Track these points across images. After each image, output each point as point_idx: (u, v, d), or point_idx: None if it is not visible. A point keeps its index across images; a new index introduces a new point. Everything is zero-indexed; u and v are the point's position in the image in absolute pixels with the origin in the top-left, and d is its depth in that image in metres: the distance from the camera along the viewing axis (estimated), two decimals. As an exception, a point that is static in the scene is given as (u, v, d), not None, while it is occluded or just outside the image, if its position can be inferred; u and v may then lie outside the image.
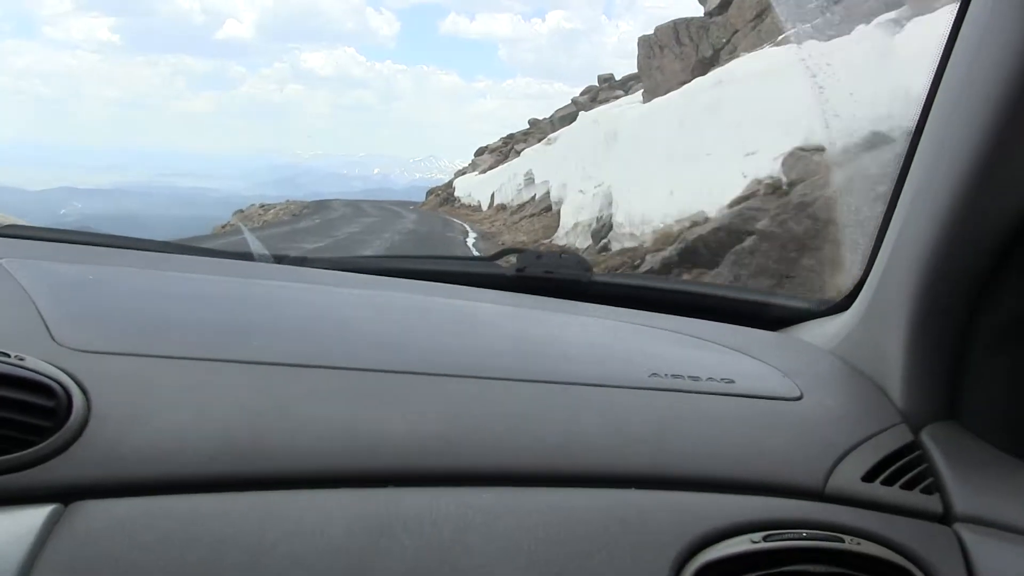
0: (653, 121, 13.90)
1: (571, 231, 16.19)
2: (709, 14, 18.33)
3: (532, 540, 0.70)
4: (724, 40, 17.39)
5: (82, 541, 0.62)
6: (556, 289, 1.28)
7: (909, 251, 0.89)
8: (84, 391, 0.71)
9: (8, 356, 0.70)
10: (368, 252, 12.49)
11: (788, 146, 8.06)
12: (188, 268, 1.18)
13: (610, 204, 13.94)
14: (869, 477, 0.83)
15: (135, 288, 1.04)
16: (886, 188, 0.96)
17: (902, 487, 0.83)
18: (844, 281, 1.20)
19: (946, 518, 0.82)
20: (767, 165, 8.43)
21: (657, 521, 0.75)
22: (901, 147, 0.91)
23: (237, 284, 1.13)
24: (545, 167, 23.54)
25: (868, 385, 0.99)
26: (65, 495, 0.64)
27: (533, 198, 24.10)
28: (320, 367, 0.83)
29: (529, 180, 25.25)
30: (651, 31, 19.80)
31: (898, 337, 0.92)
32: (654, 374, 0.94)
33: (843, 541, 0.76)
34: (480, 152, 45.03)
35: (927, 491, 0.84)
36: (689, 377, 0.95)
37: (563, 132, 25.76)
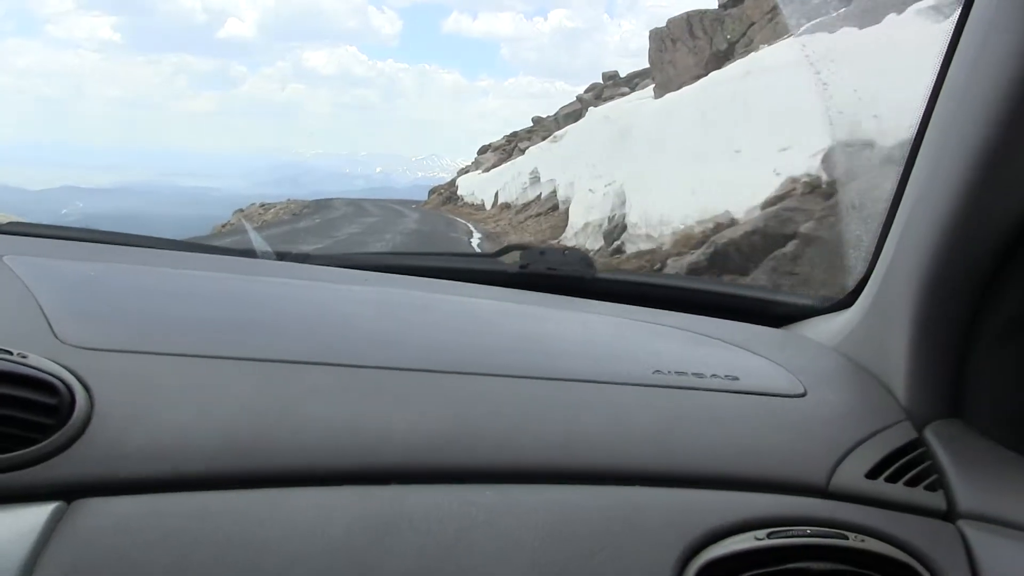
0: (670, 116, 13.21)
1: (580, 231, 15.55)
2: (724, 6, 17.71)
3: (535, 537, 0.70)
4: (740, 33, 16.75)
5: (85, 539, 0.62)
6: (559, 286, 1.27)
7: (913, 248, 0.89)
8: (87, 388, 0.71)
9: (11, 353, 0.70)
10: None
11: (829, 141, 7.39)
12: (191, 265, 1.17)
13: (623, 203, 13.28)
14: (873, 474, 0.83)
15: (137, 285, 1.04)
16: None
17: (906, 484, 0.83)
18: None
19: (950, 515, 0.82)
20: (804, 162, 7.77)
21: (661, 518, 0.75)
22: (906, 145, 0.91)
23: (240, 281, 1.12)
24: (551, 165, 23.10)
25: (872, 382, 0.99)
26: (68, 493, 0.64)
27: (539, 197, 23.65)
28: (323, 364, 0.83)
29: (534, 179, 24.83)
30: (654, 30, 19.17)
31: (902, 334, 0.92)
32: (658, 371, 0.94)
33: (847, 538, 0.76)
34: (483, 150, 44.61)
35: (931, 488, 0.84)
36: (693, 374, 0.94)
37: (570, 129, 25.15)
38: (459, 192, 37.71)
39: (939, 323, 0.89)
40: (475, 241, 19.92)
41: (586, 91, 35.67)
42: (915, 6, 8.42)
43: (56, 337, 0.78)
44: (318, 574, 0.64)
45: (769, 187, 8.07)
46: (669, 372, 0.94)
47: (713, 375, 0.95)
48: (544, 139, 30.29)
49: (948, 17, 0.87)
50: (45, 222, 1.57)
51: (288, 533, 0.66)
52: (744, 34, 16.70)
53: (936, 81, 0.85)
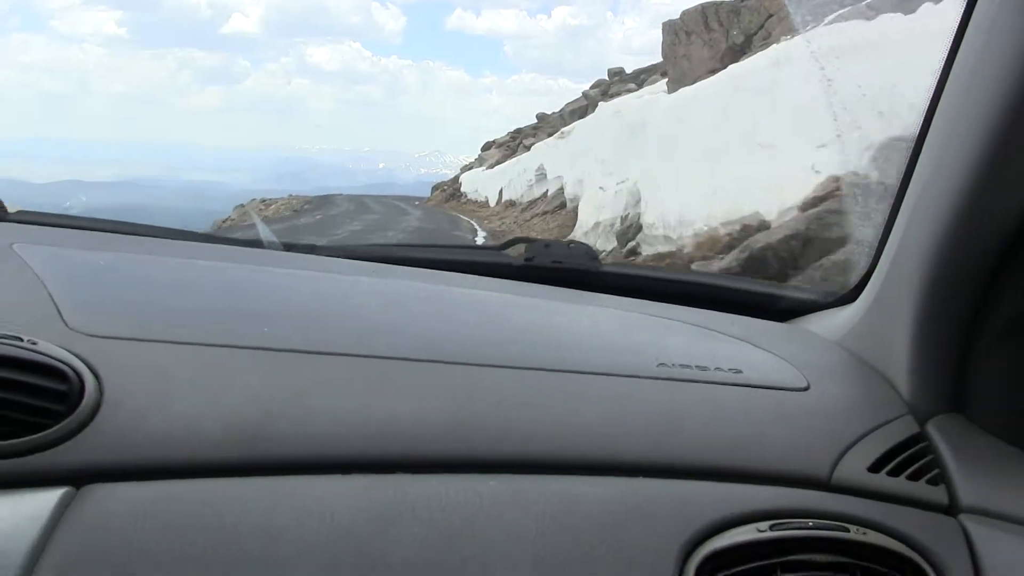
0: (689, 110, 12.47)
1: (591, 231, 14.87)
2: (741, -3, 16.97)
3: (539, 527, 0.70)
4: (757, 25, 16.06)
5: (93, 524, 0.63)
6: (564, 279, 1.27)
7: (916, 244, 0.89)
8: (96, 376, 0.72)
9: (21, 340, 0.71)
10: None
11: (880, 136, 6.69)
12: (199, 255, 1.16)
13: (637, 202, 12.59)
14: (875, 468, 0.84)
15: (146, 274, 1.04)
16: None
17: (908, 478, 0.84)
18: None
19: (951, 509, 0.83)
20: (849, 159, 7.05)
21: (664, 509, 0.75)
22: (909, 142, 0.91)
23: (247, 271, 1.13)
24: (558, 162, 22.57)
25: (875, 376, 0.99)
26: (77, 479, 0.65)
27: (545, 194, 23.12)
28: (329, 354, 0.84)
29: (540, 176, 24.32)
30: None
31: (905, 329, 0.92)
32: (662, 364, 0.94)
33: (849, 531, 0.77)
34: (487, 147, 44.14)
35: (933, 482, 0.84)
36: (697, 367, 0.95)
37: (578, 125, 24.48)
38: (463, 189, 37.31)
39: (941, 319, 0.89)
40: (479, 240, 19.29)
41: (592, 87, 35.14)
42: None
43: (66, 324, 0.78)
44: (324, 561, 0.65)
45: (806, 186, 7.36)
46: (673, 365, 0.94)
47: (717, 368, 0.95)
48: (550, 135, 29.82)
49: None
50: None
51: (294, 520, 0.66)
52: (762, 26, 16.01)
53: (939, 80, 0.85)
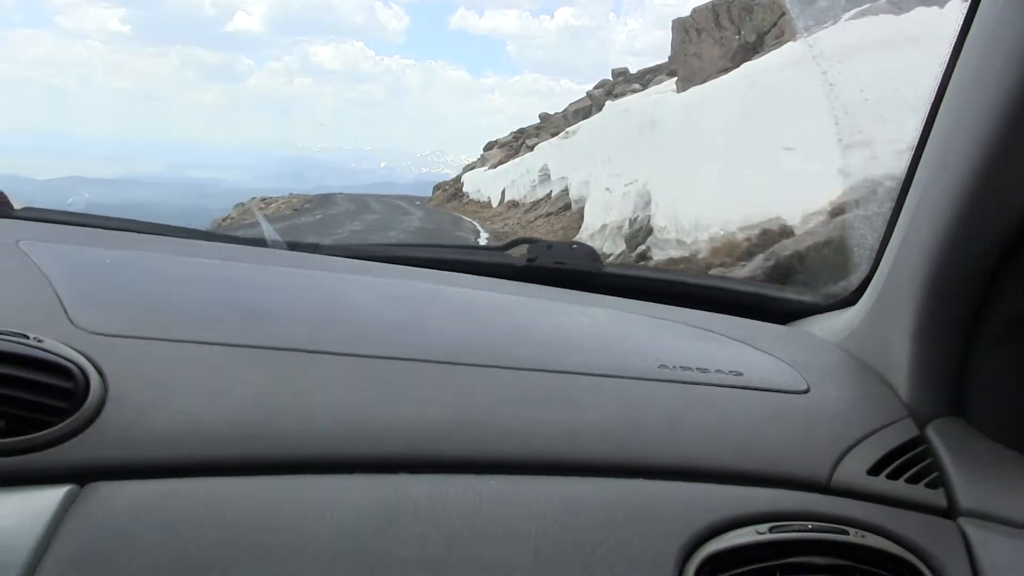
0: (702, 110, 12.00)
1: (597, 233, 14.44)
2: (753, -6, 16.52)
3: (540, 527, 0.70)
4: (771, 23, 15.62)
5: (97, 522, 0.63)
6: (566, 280, 1.27)
7: (916, 247, 0.89)
8: (101, 373, 0.72)
9: (27, 337, 0.71)
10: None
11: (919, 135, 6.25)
12: (203, 253, 1.16)
13: (647, 204, 12.15)
14: (875, 471, 0.84)
15: (151, 272, 1.03)
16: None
17: (907, 481, 0.84)
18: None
19: (950, 512, 0.83)
20: (884, 161, 6.62)
21: (664, 511, 0.76)
22: (910, 144, 0.91)
23: (251, 270, 1.12)
24: (562, 162, 22.20)
25: (875, 379, 0.99)
26: (81, 476, 0.65)
27: (549, 195, 22.78)
28: (332, 353, 0.84)
29: (544, 176, 23.99)
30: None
31: (905, 332, 0.92)
32: (663, 365, 0.94)
33: (848, 533, 0.77)
34: (489, 146, 43.86)
35: (932, 485, 0.84)
36: (698, 369, 0.95)
37: (584, 125, 24.05)
38: (464, 189, 37.13)
39: (941, 321, 0.89)
40: (482, 242, 18.90)
41: (596, 87, 34.86)
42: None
43: (71, 322, 0.78)
44: (326, 559, 0.65)
45: (833, 189, 6.91)
46: (674, 367, 0.94)
47: (718, 370, 0.95)
48: (553, 135, 29.51)
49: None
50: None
51: (297, 519, 0.66)
52: (775, 24, 15.57)
53: (940, 82, 0.85)
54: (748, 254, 7.58)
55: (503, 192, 28.92)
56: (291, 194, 38.11)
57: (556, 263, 1.28)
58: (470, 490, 0.72)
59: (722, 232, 8.92)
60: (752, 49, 15.53)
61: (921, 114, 0.88)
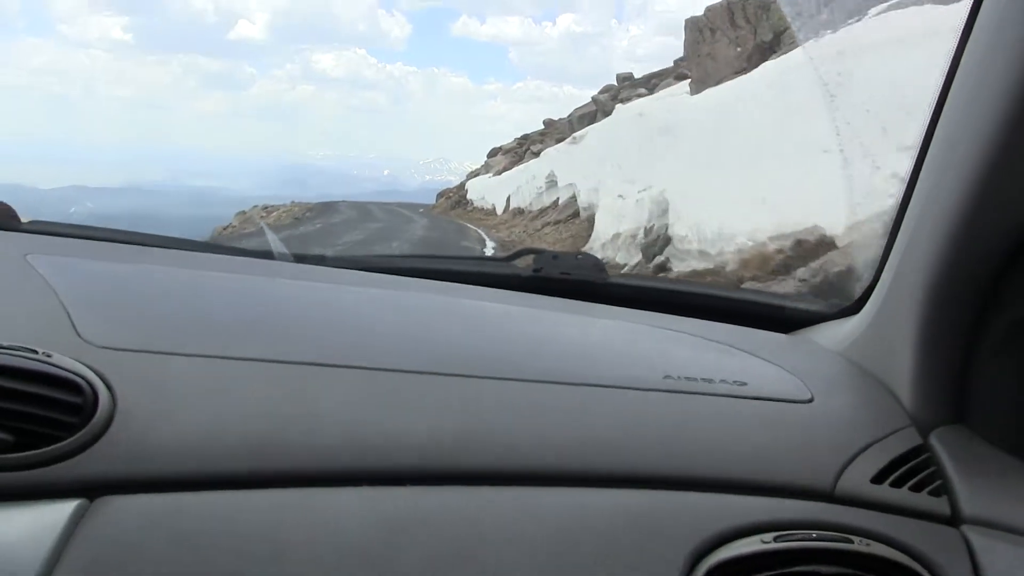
0: (726, 110, 11.31)
1: (609, 242, 13.77)
2: (770, -8, 15.90)
3: (547, 539, 0.71)
4: (788, 22, 14.99)
5: (106, 536, 0.63)
6: (572, 290, 1.28)
7: (919, 256, 0.90)
8: (110, 388, 0.72)
9: (36, 352, 0.72)
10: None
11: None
12: (210, 266, 1.18)
13: (664, 212, 11.47)
14: (878, 479, 0.84)
15: (159, 285, 1.04)
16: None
17: (911, 489, 0.84)
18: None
19: (954, 520, 0.83)
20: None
21: (670, 521, 0.76)
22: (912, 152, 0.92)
23: (258, 283, 1.13)
24: (570, 168, 21.64)
25: (878, 388, 0.99)
26: (90, 490, 0.65)
27: (556, 203, 22.21)
28: (340, 366, 0.84)
29: (551, 183, 23.45)
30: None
31: (908, 341, 0.93)
32: (668, 376, 0.95)
33: (852, 542, 0.77)
34: (493, 153, 43.58)
35: (935, 493, 0.85)
36: (702, 379, 0.95)
37: (592, 129, 23.47)
38: (468, 196, 36.78)
39: (944, 330, 0.89)
40: (488, 252, 18.32)
41: (601, 92, 34.56)
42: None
43: (79, 336, 0.78)
44: (334, 572, 0.65)
45: (883, 197, 6.25)
46: (679, 377, 0.95)
47: (722, 380, 0.95)
48: (558, 141, 29.08)
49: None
50: (54, 220, 1.36)
51: (305, 532, 0.67)
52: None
53: (942, 90, 0.85)
54: (785, 267, 6.91)
55: (508, 199, 28.56)
56: (293, 202, 37.94)
57: (562, 274, 1.29)
58: (478, 502, 0.72)
59: (750, 243, 8.23)
60: (769, 49, 14.93)
61: (922, 121, 0.88)
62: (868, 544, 0.76)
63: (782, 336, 1.21)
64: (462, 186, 41.14)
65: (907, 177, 0.92)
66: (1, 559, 0.60)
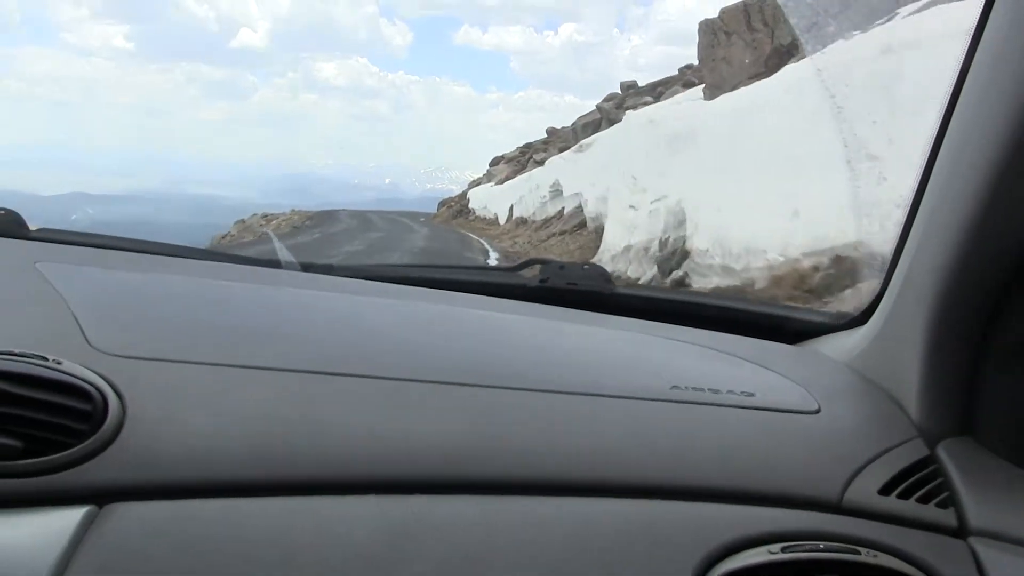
0: (747, 116, 10.65)
1: (620, 255, 13.11)
2: (787, -6, 15.31)
3: (555, 549, 0.71)
4: (807, 25, 14.37)
5: (115, 543, 0.64)
6: (579, 301, 1.27)
7: (926, 267, 0.90)
8: (119, 395, 0.73)
9: (47, 360, 0.72)
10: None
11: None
12: (218, 275, 1.18)
13: (680, 224, 10.82)
14: (885, 490, 0.84)
15: (167, 293, 1.05)
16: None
17: (918, 501, 0.84)
18: None
19: (960, 532, 0.83)
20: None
21: (677, 531, 0.76)
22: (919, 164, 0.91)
23: (266, 291, 1.13)
24: (576, 177, 21.00)
25: (885, 399, 0.99)
26: (100, 497, 0.66)
27: (561, 212, 21.61)
28: (347, 375, 0.84)
29: (556, 192, 22.87)
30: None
31: (914, 352, 0.92)
32: (675, 386, 0.95)
33: (859, 553, 0.77)
34: (495, 162, 43.17)
35: (942, 505, 0.84)
36: (709, 390, 0.95)
37: (599, 137, 22.83)
38: (471, 205, 36.32)
39: (951, 341, 0.89)
40: (492, 263, 17.67)
41: (605, 100, 34.07)
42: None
43: (89, 344, 0.79)
44: None
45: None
46: (686, 388, 0.95)
47: (729, 391, 0.95)
48: (561, 150, 28.54)
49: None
50: (57, 227, 1.34)
51: (313, 540, 0.67)
52: (812, 26, 14.34)
53: (949, 101, 0.85)
54: (825, 287, 6.25)
55: (511, 209, 28.09)
56: (293, 210, 37.51)
57: (569, 284, 1.29)
58: (485, 511, 0.72)
59: (781, 258, 7.56)
60: (787, 52, 14.29)
61: (929, 132, 0.88)
62: (875, 555, 0.77)
63: (789, 347, 1.21)
64: (464, 195, 40.72)
65: (915, 187, 0.92)
66: (11, 565, 0.60)
